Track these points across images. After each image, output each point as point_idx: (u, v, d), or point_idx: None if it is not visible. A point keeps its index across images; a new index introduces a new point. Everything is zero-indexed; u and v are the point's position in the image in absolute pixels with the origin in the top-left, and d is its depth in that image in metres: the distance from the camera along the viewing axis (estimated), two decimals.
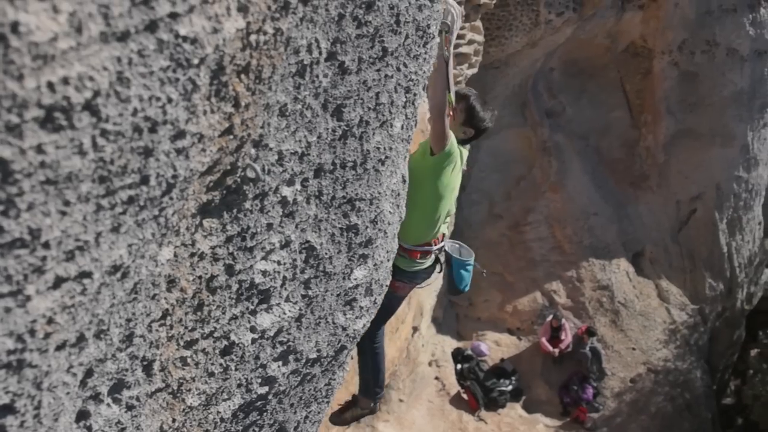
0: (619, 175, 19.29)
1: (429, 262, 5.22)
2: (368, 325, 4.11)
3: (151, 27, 1.61)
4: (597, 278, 18.18)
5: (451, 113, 4.40)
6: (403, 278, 5.14)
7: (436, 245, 5.16)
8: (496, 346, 17.25)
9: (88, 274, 1.77)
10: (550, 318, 17.01)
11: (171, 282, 2.32)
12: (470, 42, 10.33)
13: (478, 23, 10.52)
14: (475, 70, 10.84)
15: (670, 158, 19.27)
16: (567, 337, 16.92)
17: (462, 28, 9.99)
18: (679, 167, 19.39)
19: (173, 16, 1.66)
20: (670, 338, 18.97)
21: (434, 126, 4.42)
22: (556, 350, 16.70)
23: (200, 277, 2.47)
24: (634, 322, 18.46)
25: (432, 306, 15.16)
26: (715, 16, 17.74)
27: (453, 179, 4.83)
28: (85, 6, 1.43)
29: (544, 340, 16.79)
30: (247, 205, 2.54)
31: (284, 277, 2.96)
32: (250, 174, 2.44)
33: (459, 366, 16.10)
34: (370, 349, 5.57)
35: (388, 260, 4.01)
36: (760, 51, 18.67)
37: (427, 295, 13.60)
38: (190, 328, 2.53)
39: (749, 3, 18.02)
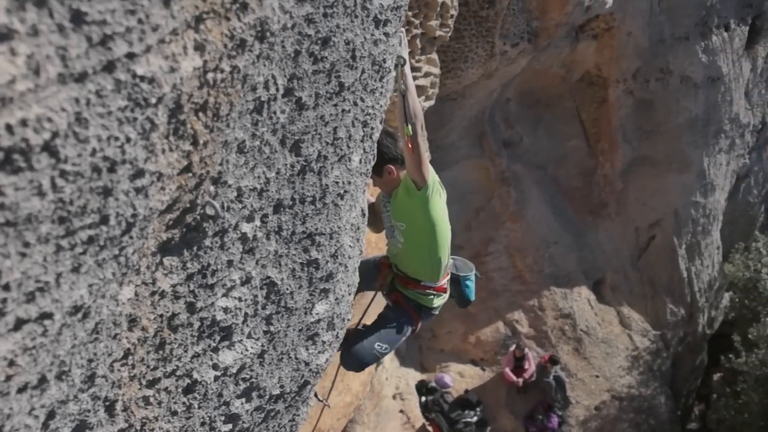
0: (577, 204, 19.41)
1: (449, 290, 5.35)
2: (331, 360, 4.11)
3: (109, 67, 1.62)
4: (558, 307, 18.24)
5: (410, 145, 4.42)
6: (426, 314, 5.29)
7: (448, 275, 5.28)
8: (460, 378, 17.22)
9: (49, 315, 1.76)
10: (513, 348, 17.03)
11: (132, 321, 2.32)
12: (426, 74, 10.38)
13: (434, 56, 10.58)
14: (431, 103, 10.90)
15: (628, 185, 19.44)
16: (530, 367, 16.94)
17: (418, 61, 10.06)
18: (637, 194, 19.57)
19: (130, 56, 1.67)
20: (633, 365, 19.07)
21: (407, 157, 4.44)
22: (520, 380, 16.70)
23: (161, 316, 2.46)
24: (596, 350, 18.53)
25: None
26: (668, 45, 17.99)
27: (443, 206, 4.86)
28: (43, 48, 1.44)
29: (507, 370, 16.80)
30: (207, 242, 2.54)
31: (246, 314, 2.96)
32: (210, 211, 2.44)
33: (423, 398, 16.03)
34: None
35: (350, 294, 4.02)
36: (713, 78, 18.95)
37: None
38: (152, 366, 2.52)
39: (701, 31, 18.29)
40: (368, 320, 5.46)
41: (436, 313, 5.34)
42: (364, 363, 5.11)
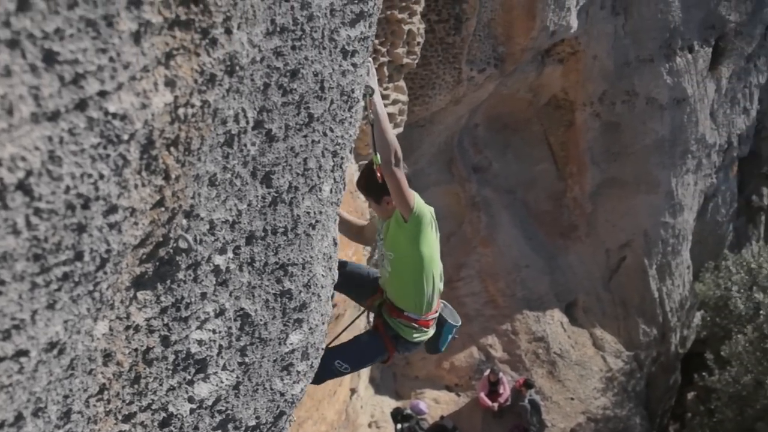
0: (548, 227, 19.51)
1: (433, 329, 5.29)
2: (306, 389, 4.11)
3: (81, 105, 1.64)
4: (532, 330, 18.30)
5: (378, 174, 4.44)
6: (403, 347, 5.23)
7: (438, 310, 5.25)
8: (435, 404, 17.22)
9: (24, 353, 1.77)
10: (487, 372, 17.06)
11: (107, 356, 2.32)
12: (395, 102, 10.44)
13: (402, 83, 10.65)
14: (400, 130, 10.95)
15: (597, 207, 19.59)
16: (505, 391, 16.97)
17: (386, 89, 10.11)
18: (607, 216, 19.72)
19: (102, 94, 1.69)
20: (607, 386, 19.14)
21: (391, 183, 4.43)
22: (496, 404, 16.73)
23: (136, 350, 2.46)
24: (571, 372, 18.59)
25: (369, 367, 15.11)
26: (633, 67, 18.19)
27: (436, 238, 4.85)
28: (16, 88, 1.46)
29: (482, 395, 16.81)
30: (181, 275, 2.55)
31: (220, 346, 2.96)
32: (183, 245, 2.45)
33: (399, 426, 16.00)
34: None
35: (323, 323, 4.03)
36: (679, 99, 19.18)
37: None
38: (127, 401, 2.52)
39: (665, 53, 18.52)
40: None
41: (415, 348, 5.30)
42: (318, 376, 5.07)
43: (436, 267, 4.91)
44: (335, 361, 5.12)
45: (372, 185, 4.59)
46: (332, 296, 4.19)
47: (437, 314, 5.24)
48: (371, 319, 5.38)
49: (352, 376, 12.65)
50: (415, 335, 5.12)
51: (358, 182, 4.88)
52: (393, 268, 4.86)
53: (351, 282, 5.27)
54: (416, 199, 4.59)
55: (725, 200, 23.76)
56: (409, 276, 4.83)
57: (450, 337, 5.55)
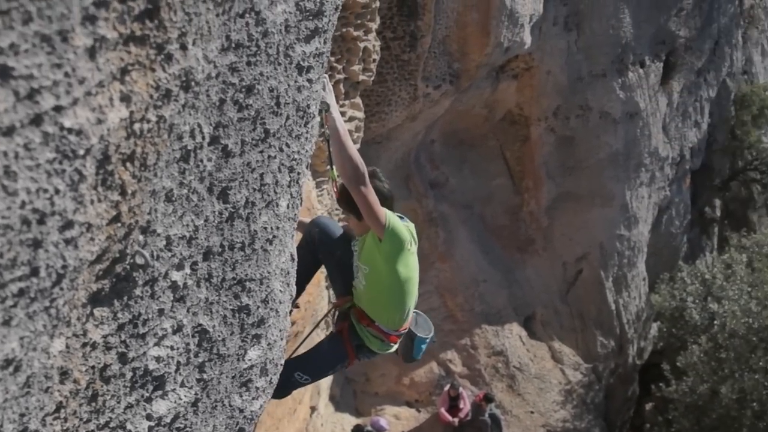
0: (505, 241, 19.59)
1: (396, 344, 5.25)
2: (265, 406, 4.10)
3: (37, 121, 1.64)
4: (491, 344, 18.34)
5: (335, 189, 4.45)
6: (364, 355, 5.20)
7: (406, 329, 5.19)
8: (395, 420, 17.18)
9: None
10: (447, 387, 17.06)
11: (64, 374, 2.30)
12: (351, 119, 10.46)
13: (358, 100, 10.68)
14: (357, 146, 10.97)
15: (554, 221, 19.72)
16: (466, 406, 16.97)
17: (342, 106, 10.14)
18: (563, 230, 19.85)
19: (58, 109, 1.70)
20: (566, 399, 19.24)
21: (358, 201, 4.40)
22: (456, 419, 16.71)
23: (93, 367, 2.45)
24: (530, 386, 18.66)
25: (329, 384, 15.06)
26: (587, 82, 18.37)
27: (414, 259, 4.84)
28: None
29: (443, 410, 16.81)
30: (138, 291, 2.54)
31: (178, 362, 2.95)
32: (139, 260, 2.45)
33: None
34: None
35: (282, 339, 4.02)
36: (631, 113, 19.41)
37: None
38: (85, 419, 2.50)
39: (618, 68, 18.74)
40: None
41: (375, 356, 5.29)
42: (278, 390, 5.04)
43: (413, 286, 4.90)
44: (295, 373, 5.08)
45: (353, 202, 4.49)
46: (290, 312, 4.19)
47: (407, 330, 5.22)
48: (334, 320, 5.34)
49: (312, 394, 12.61)
50: (381, 348, 5.11)
51: (339, 199, 4.79)
52: (368, 282, 4.82)
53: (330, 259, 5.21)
54: (389, 218, 4.54)
55: (679, 212, 24.01)
56: (385, 294, 4.82)
57: (425, 347, 5.53)
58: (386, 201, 4.75)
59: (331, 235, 5.11)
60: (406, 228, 4.73)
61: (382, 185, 4.78)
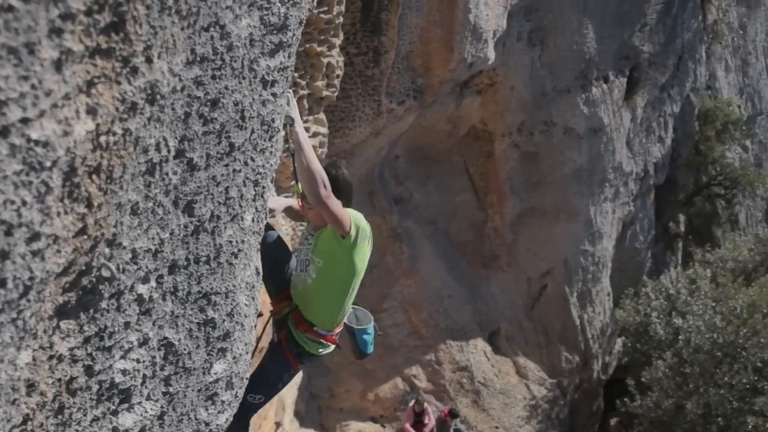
0: (469, 257, 19.64)
1: (334, 345, 5.29)
2: (230, 419, 4.10)
3: (3, 132, 1.65)
4: (456, 360, 18.37)
5: (300, 203, 4.47)
6: (306, 359, 5.19)
7: (341, 327, 5.25)
8: None
9: None
10: (412, 403, 17.04)
11: (31, 386, 2.30)
12: (315, 134, 10.49)
13: (322, 116, 10.71)
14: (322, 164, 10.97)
15: (518, 237, 19.79)
16: (430, 421, 16.96)
17: (306, 121, 10.16)
18: (527, 245, 19.93)
19: (24, 121, 1.71)
20: (531, 414, 19.30)
21: (324, 214, 4.47)
22: None
23: (60, 380, 2.45)
24: (495, 401, 18.70)
25: (293, 400, 15.02)
26: (551, 98, 18.49)
27: (368, 252, 4.92)
28: None
29: (407, 425, 16.78)
30: (104, 304, 2.54)
31: (144, 375, 2.95)
32: (105, 273, 2.45)
33: None
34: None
35: (247, 353, 4.03)
36: (595, 128, 19.55)
37: (288, 389, 13.48)
38: (51, 431, 2.50)
39: (581, 83, 18.89)
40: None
41: (318, 359, 5.33)
42: (237, 418, 5.05)
43: (359, 280, 4.97)
44: (248, 396, 5.08)
45: None
46: (255, 326, 4.20)
47: (342, 327, 5.27)
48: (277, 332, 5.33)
49: (277, 409, 12.58)
50: (320, 350, 5.15)
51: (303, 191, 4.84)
52: (319, 276, 4.84)
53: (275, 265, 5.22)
54: (352, 219, 4.63)
55: (643, 227, 24.21)
56: (336, 287, 4.88)
57: (369, 338, 5.63)
58: (347, 189, 4.86)
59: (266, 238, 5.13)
60: (365, 224, 4.83)
61: (341, 173, 4.86)
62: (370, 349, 5.68)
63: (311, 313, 5.00)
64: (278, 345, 5.20)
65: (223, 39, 2.77)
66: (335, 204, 4.44)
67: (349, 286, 4.91)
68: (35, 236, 1.91)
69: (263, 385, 5.21)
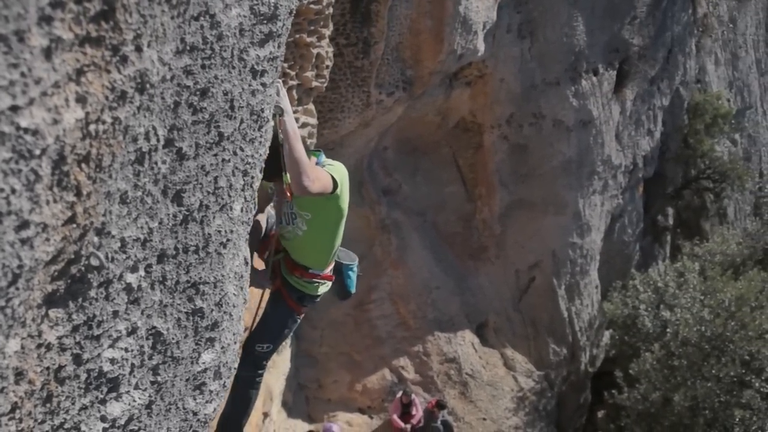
0: (458, 248, 19.61)
1: (332, 281, 5.46)
2: (218, 409, 4.10)
3: None
4: (443, 351, 18.36)
5: (288, 194, 4.48)
6: (309, 302, 5.36)
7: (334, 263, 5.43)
8: (348, 427, 17.14)
9: None
10: (399, 394, 17.05)
11: (19, 374, 2.30)
12: (304, 125, 10.46)
13: (311, 106, 10.68)
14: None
15: (507, 229, 19.75)
16: (418, 412, 16.97)
17: (295, 112, 10.14)
18: (516, 237, 19.90)
19: (14, 108, 1.70)
20: (518, 406, 19.31)
21: (312, 193, 4.52)
22: (408, 426, 16.71)
23: (48, 368, 2.45)
24: (482, 393, 18.70)
25: (281, 390, 15.01)
26: (540, 90, 18.44)
27: (348, 192, 5.04)
28: None
29: (395, 416, 16.80)
30: (92, 293, 2.54)
31: (132, 364, 2.95)
32: (94, 262, 2.45)
33: None
34: (251, 380, 5.45)
35: (235, 343, 4.03)
36: (585, 121, 19.52)
37: (275, 379, 13.48)
38: (39, 420, 2.50)
39: (571, 76, 18.84)
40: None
41: (319, 299, 5.47)
42: (250, 370, 5.11)
43: (344, 219, 5.14)
44: (255, 346, 5.16)
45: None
46: (242, 317, 4.20)
47: (333, 264, 5.44)
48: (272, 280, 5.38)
49: (265, 399, 12.57)
50: (320, 290, 5.32)
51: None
52: (309, 227, 4.97)
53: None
54: (334, 177, 4.77)
55: (632, 220, 24.22)
56: (328, 233, 5.04)
57: (354, 276, 5.81)
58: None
59: None
60: (343, 170, 5.00)
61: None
62: (353, 287, 5.84)
63: (305, 258, 5.15)
64: (278, 293, 5.33)
65: (213, 28, 2.77)
66: (318, 185, 4.52)
67: (338, 228, 5.10)
68: (24, 224, 1.91)
69: (269, 333, 5.30)
